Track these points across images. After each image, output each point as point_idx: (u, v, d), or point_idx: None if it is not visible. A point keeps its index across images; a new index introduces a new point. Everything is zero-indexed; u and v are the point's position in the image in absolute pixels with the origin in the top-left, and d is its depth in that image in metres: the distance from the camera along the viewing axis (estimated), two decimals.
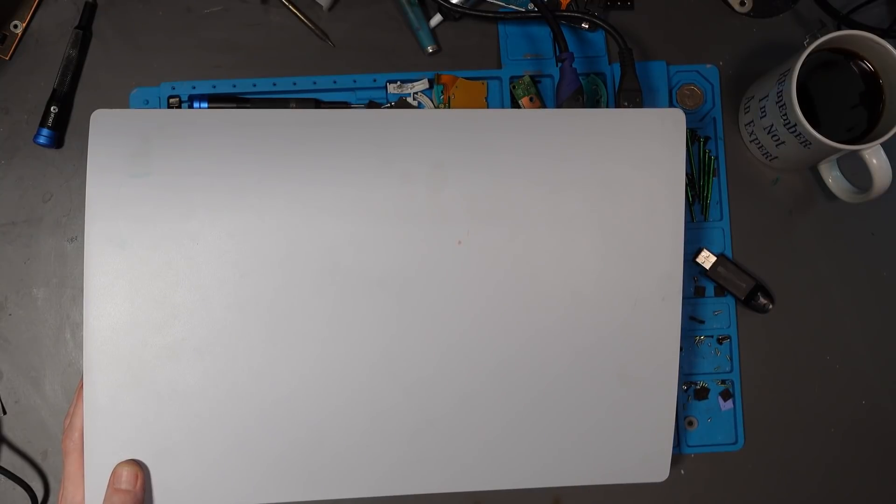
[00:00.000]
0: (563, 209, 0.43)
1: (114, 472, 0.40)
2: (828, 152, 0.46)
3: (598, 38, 0.51)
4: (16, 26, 0.49)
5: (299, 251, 0.41)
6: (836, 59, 0.47)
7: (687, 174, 0.51)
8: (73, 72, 0.49)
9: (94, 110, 0.41)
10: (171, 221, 0.41)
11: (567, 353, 0.43)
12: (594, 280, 0.43)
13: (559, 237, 0.43)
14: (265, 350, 0.41)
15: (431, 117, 0.43)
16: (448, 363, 0.42)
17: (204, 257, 0.41)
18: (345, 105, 0.49)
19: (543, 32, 0.51)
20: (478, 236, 0.42)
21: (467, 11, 0.50)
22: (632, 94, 0.47)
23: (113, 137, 0.41)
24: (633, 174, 0.43)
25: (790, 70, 0.44)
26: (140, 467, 0.41)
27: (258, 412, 0.42)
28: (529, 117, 0.43)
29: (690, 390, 0.50)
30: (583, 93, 0.47)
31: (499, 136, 0.43)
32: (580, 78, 0.48)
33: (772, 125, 0.47)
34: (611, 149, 0.43)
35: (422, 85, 0.50)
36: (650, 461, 0.45)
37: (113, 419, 0.40)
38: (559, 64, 0.47)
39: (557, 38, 0.47)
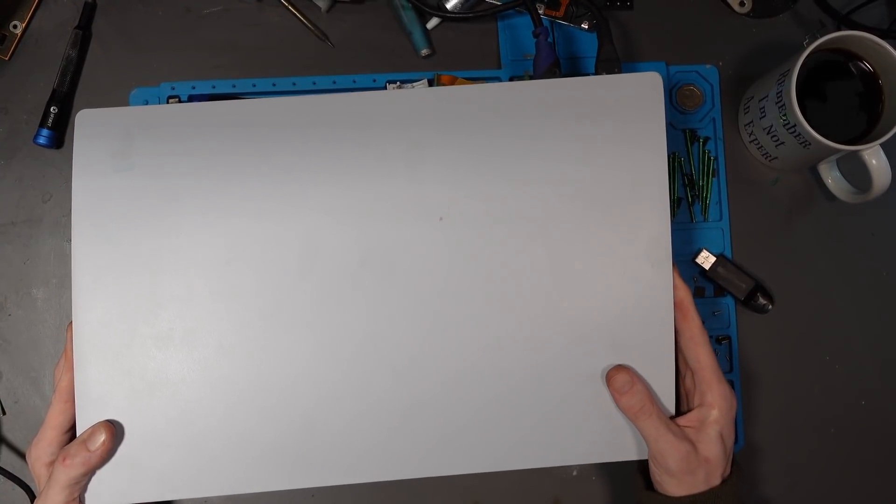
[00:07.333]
0: (545, 178, 0.42)
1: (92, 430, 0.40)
2: (827, 152, 0.46)
3: None
4: (15, 26, 0.49)
5: (282, 236, 0.42)
6: (835, 60, 0.47)
7: (687, 174, 0.51)
8: (72, 72, 0.49)
9: None
10: (154, 214, 0.41)
11: (558, 326, 0.42)
12: (581, 249, 0.42)
13: (542, 207, 0.42)
14: (252, 337, 0.41)
15: (408, 97, 0.42)
16: (436, 342, 0.42)
17: (188, 247, 0.41)
18: None
19: None
20: (459, 212, 0.42)
21: (447, 16, 0.49)
22: (610, 65, 0.46)
23: (97, 135, 0.41)
24: (613, 139, 0.42)
25: (790, 70, 0.44)
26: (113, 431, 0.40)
27: (247, 400, 0.41)
28: (505, 90, 0.43)
29: None
30: (559, 66, 0.46)
31: (476, 110, 0.42)
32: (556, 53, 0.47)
33: (771, 125, 0.47)
34: (589, 115, 0.42)
35: (421, 85, 0.50)
36: None
37: (103, 409, 0.41)
38: (535, 39, 0.47)
39: (531, 13, 0.47)
